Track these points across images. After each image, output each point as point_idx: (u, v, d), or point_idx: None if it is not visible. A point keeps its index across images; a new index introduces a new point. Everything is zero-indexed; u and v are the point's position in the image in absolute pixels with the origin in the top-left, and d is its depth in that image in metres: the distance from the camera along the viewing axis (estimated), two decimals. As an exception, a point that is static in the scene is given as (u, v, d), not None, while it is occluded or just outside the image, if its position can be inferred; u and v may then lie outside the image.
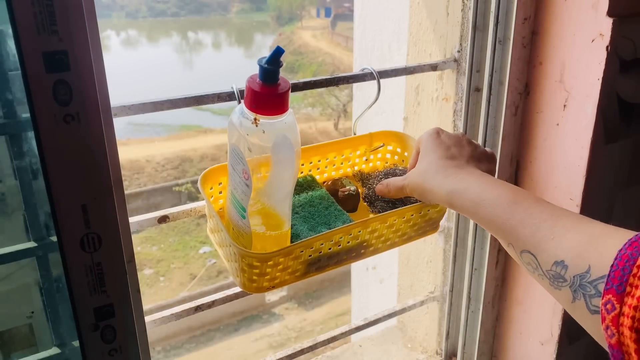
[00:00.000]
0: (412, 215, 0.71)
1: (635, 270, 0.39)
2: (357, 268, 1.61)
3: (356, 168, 0.84)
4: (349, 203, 0.75)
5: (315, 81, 0.77)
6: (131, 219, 0.67)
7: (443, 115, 0.98)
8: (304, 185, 0.76)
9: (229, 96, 0.69)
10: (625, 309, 0.39)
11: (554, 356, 0.97)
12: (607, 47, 0.78)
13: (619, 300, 0.39)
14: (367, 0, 1.37)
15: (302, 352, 0.90)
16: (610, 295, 0.40)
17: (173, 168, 11.61)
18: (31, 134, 0.55)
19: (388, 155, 0.84)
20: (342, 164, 0.82)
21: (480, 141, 0.92)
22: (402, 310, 1.03)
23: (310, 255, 0.65)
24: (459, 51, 0.92)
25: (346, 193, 0.75)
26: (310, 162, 0.79)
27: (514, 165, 0.95)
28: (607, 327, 0.40)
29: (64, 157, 0.48)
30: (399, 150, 0.83)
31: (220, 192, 0.73)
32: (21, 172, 0.57)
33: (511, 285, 1.02)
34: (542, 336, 0.98)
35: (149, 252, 9.26)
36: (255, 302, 7.76)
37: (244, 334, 7.59)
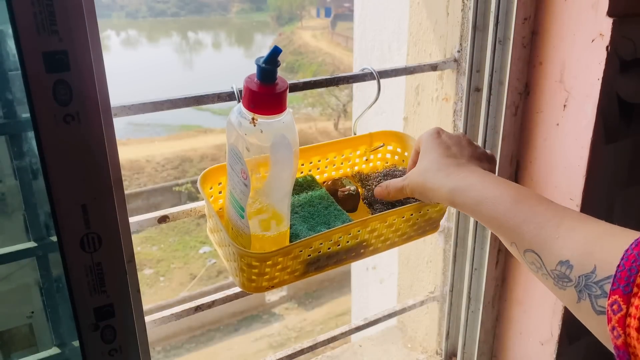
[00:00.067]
0: (412, 214, 0.71)
1: None
2: (357, 268, 1.61)
3: (356, 168, 0.83)
4: (349, 203, 0.75)
5: (315, 81, 0.77)
6: (131, 219, 0.67)
7: (443, 115, 0.98)
8: (304, 185, 0.76)
9: (228, 96, 0.69)
10: (632, 310, 0.38)
11: (554, 356, 0.97)
12: (607, 47, 0.78)
13: (625, 301, 0.39)
14: (367, 0, 1.36)
15: (302, 352, 0.90)
16: (616, 296, 0.40)
17: (173, 168, 11.62)
18: (31, 134, 0.55)
19: (388, 156, 0.84)
20: (342, 164, 0.82)
21: (480, 141, 0.92)
22: (402, 310, 1.03)
23: (309, 255, 0.65)
24: (459, 51, 0.92)
25: (346, 193, 0.75)
26: (310, 162, 0.79)
27: (514, 165, 0.95)
28: (613, 328, 0.40)
29: (64, 157, 0.48)
30: (399, 150, 0.83)
31: (220, 192, 0.73)
32: (21, 172, 0.57)
33: (511, 285, 1.02)
34: (542, 336, 0.98)
35: (149, 252, 9.26)
36: (255, 302, 7.76)
37: (244, 334, 7.59)
